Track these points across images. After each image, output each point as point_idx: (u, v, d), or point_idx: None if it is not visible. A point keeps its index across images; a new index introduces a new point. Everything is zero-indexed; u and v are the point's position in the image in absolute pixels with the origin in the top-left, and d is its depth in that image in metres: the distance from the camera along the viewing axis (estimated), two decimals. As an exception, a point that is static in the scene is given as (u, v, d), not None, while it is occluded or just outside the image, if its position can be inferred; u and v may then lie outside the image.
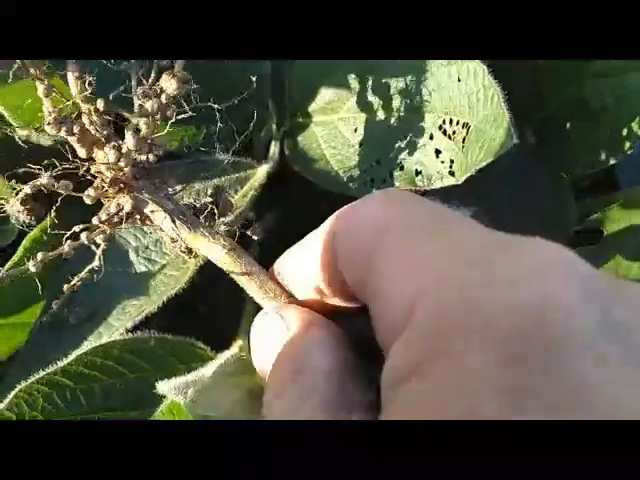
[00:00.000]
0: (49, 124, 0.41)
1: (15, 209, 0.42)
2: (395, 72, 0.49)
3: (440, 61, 0.45)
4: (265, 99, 0.56)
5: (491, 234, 0.27)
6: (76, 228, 0.44)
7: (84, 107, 0.43)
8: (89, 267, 0.47)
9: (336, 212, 0.33)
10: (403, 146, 0.49)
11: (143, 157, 0.43)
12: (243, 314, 0.50)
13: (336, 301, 0.35)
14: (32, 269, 0.42)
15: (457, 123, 0.45)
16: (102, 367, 0.43)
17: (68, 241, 0.44)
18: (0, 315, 0.51)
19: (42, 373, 0.42)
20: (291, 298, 0.38)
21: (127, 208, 0.43)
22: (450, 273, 0.25)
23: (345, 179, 0.51)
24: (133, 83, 0.42)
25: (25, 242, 0.50)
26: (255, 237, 0.47)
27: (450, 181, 0.45)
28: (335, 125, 0.54)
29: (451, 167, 0.45)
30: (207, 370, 0.42)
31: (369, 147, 0.51)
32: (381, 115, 0.50)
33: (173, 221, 0.42)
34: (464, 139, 0.44)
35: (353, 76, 0.52)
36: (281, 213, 0.54)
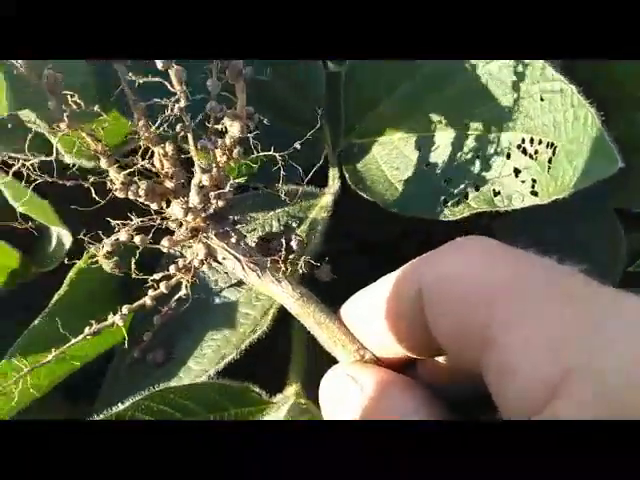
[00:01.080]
0: (117, 190, 0.41)
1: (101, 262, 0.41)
2: (463, 87, 0.47)
3: (521, 77, 0.44)
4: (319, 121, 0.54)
5: (608, 292, 0.27)
6: (156, 276, 0.43)
7: (156, 150, 0.41)
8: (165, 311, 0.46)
9: (420, 259, 0.32)
10: (476, 165, 0.47)
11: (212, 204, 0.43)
12: (292, 353, 0.49)
13: (411, 354, 0.34)
14: (119, 322, 0.41)
15: (539, 142, 0.43)
16: (157, 412, 0.41)
17: (149, 292, 0.43)
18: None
19: (97, 418, 0.40)
20: (362, 348, 0.37)
21: (201, 256, 0.43)
22: (591, 347, 0.24)
23: (413, 201, 0.50)
24: (190, 140, 0.41)
25: (71, 274, 0.49)
26: (325, 279, 0.46)
27: (533, 201, 0.44)
28: (395, 145, 0.52)
29: (533, 187, 0.44)
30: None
31: (436, 166, 0.49)
32: (447, 133, 0.49)
33: (243, 268, 0.41)
34: (550, 159, 0.42)
35: (412, 92, 0.50)
36: (349, 243, 0.52)
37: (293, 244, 0.45)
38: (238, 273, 0.42)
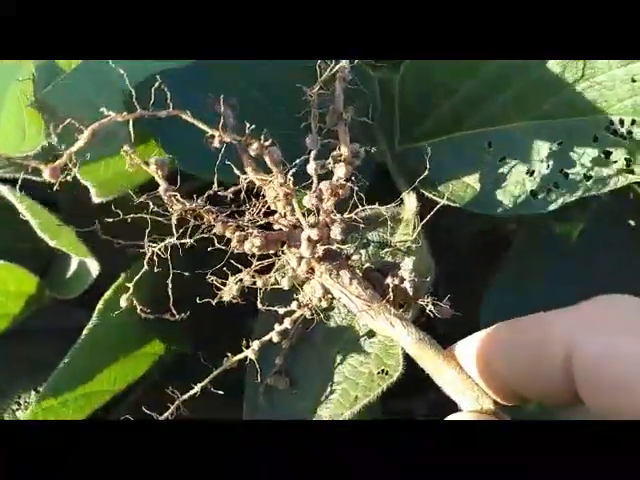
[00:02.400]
0: (236, 247, 0.40)
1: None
2: (534, 79, 0.47)
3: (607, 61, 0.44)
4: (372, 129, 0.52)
5: None
6: (280, 310, 0.43)
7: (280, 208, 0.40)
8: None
9: (567, 320, 0.33)
10: (560, 153, 0.47)
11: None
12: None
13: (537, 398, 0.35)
14: (252, 356, 0.43)
15: (632, 123, 0.44)
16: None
17: (276, 327, 0.43)
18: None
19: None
20: (481, 396, 0.36)
21: (318, 294, 0.42)
22: None
23: (495, 198, 0.49)
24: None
25: (100, 305, 0.48)
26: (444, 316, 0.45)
27: (633, 179, 0.45)
28: (459, 142, 0.51)
29: (628, 166, 0.45)
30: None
31: (512, 159, 0.49)
32: (519, 125, 0.49)
33: (357, 309, 0.41)
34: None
35: (475, 90, 0.50)
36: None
37: (407, 285, 0.43)
38: (353, 312, 0.41)
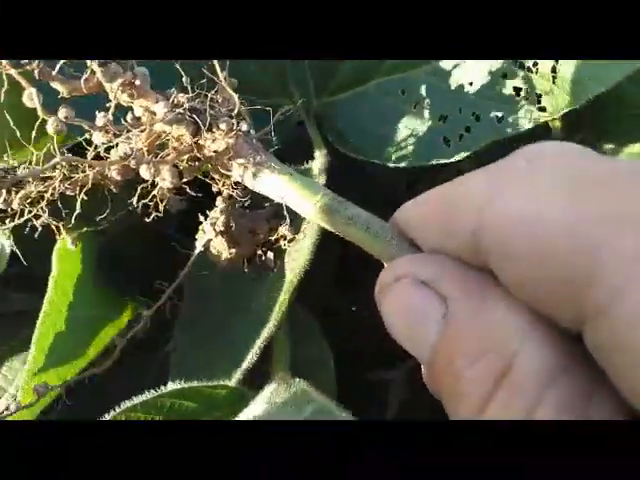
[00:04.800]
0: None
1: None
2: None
3: None
4: (286, 85, 0.50)
5: None
6: None
7: None
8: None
9: (478, 179, 0.27)
10: (469, 94, 0.44)
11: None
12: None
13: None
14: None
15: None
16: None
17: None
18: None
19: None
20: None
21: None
22: None
23: (410, 149, 0.46)
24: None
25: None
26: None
27: (545, 118, 0.41)
28: (373, 92, 0.48)
29: (539, 102, 0.41)
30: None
31: (425, 106, 0.46)
32: (430, 67, 0.45)
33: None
34: (554, 69, 0.39)
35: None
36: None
37: None
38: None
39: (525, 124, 0.42)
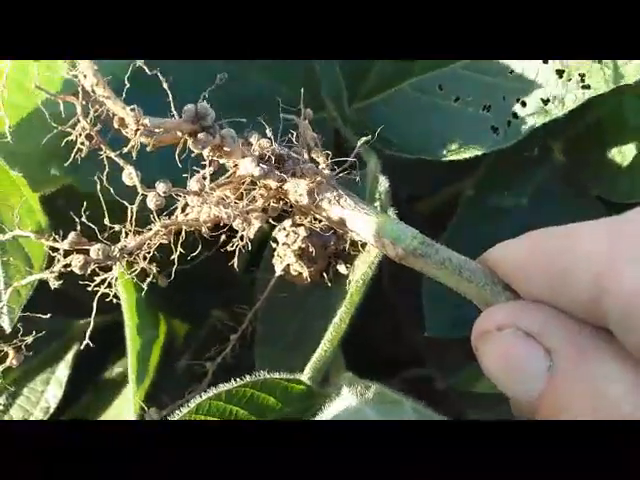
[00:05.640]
0: None
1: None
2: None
3: None
4: (317, 92, 0.50)
5: None
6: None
7: None
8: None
9: (597, 227, 0.27)
10: (511, 82, 0.45)
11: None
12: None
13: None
14: None
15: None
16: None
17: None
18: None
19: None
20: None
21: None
22: None
23: (458, 141, 0.47)
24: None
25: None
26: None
27: (590, 93, 0.43)
28: (409, 91, 0.49)
29: (583, 81, 0.43)
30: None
31: (466, 99, 0.47)
32: (463, 63, 0.46)
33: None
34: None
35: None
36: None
37: None
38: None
39: (571, 104, 0.43)
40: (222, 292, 0.55)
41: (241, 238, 0.38)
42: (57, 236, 0.35)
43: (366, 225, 0.36)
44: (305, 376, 0.41)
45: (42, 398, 0.55)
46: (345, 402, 0.40)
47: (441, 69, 0.47)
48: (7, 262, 0.40)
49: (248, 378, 0.39)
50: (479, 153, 0.46)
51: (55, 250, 0.35)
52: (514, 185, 0.55)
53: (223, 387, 0.38)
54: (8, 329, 0.40)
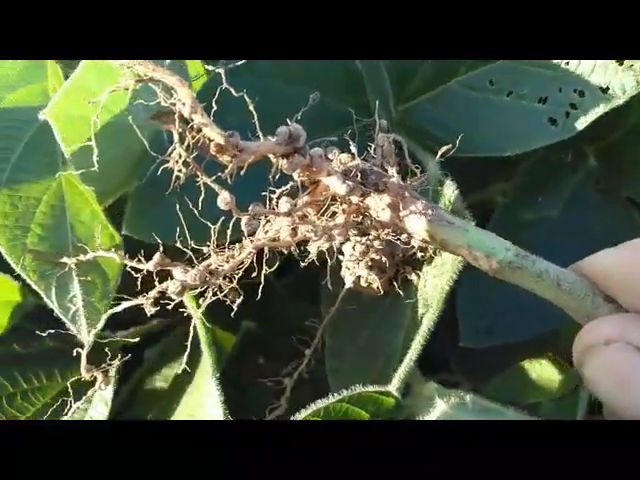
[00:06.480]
0: None
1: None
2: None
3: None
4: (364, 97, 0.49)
5: None
6: None
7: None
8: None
9: None
10: (567, 73, 0.45)
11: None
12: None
13: None
14: None
15: None
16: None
17: None
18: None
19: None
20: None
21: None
22: None
23: (515, 135, 0.47)
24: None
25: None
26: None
27: (651, 80, 0.42)
28: (457, 88, 0.48)
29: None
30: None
31: (520, 93, 0.46)
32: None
33: None
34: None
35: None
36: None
37: None
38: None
39: (633, 90, 0.43)
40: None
41: (327, 253, 0.37)
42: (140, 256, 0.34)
43: (455, 238, 0.35)
44: (393, 387, 0.40)
45: (86, 416, 0.53)
46: (441, 412, 0.39)
47: (491, 64, 0.47)
48: (85, 280, 0.39)
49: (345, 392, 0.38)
50: (540, 146, 0.45)
51: (137, 271, 0.34)
52: (548, 191, 0.55)
53: (321, 403, 0.38)
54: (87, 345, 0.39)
